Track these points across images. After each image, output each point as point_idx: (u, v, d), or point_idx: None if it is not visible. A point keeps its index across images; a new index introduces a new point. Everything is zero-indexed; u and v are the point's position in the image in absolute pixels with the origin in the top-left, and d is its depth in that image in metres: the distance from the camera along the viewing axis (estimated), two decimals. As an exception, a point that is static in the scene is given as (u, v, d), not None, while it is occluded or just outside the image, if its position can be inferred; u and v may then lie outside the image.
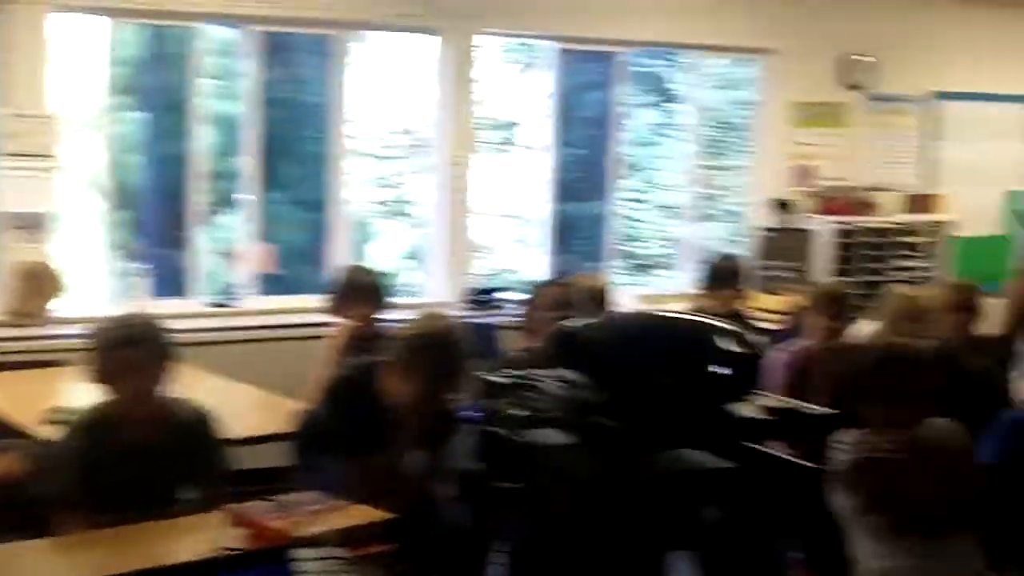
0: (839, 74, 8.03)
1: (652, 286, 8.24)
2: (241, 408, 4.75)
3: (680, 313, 3.27)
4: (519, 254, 8.24)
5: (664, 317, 3.16)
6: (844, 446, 3.44)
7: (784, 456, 3.24)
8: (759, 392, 3.06)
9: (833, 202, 7.85)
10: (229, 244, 6.83)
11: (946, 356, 4.39)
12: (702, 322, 3.00)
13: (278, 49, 6.88)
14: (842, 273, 7.59)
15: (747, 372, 2.83)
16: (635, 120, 8.14)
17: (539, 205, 7.55)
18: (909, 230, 7.98)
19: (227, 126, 6.75)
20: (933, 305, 4.75)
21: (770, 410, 2.86)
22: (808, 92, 7.94)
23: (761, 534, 3.35)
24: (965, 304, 4.62)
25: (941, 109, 8.44)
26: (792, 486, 3.06)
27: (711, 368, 2.77)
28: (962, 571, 3.39)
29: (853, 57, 8.01)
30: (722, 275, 5.92)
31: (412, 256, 7.72)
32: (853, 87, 8.05)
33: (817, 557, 3.53)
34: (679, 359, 2.79)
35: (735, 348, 2.80)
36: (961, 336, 4.59)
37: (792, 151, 7.93)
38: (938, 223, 8.09)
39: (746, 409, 2.89)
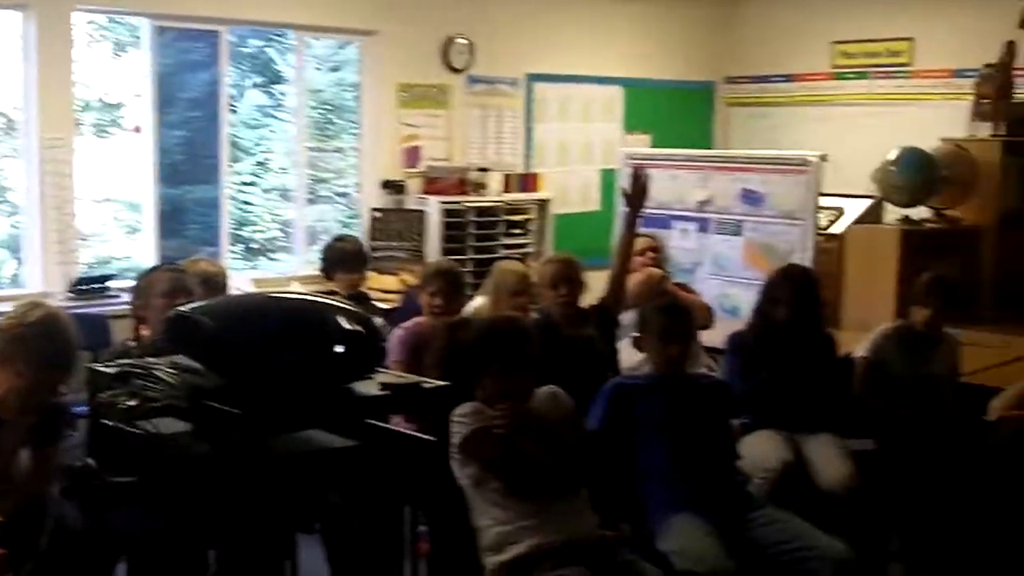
0: (441, 56, 8.15)
1: (267, 269, 8.13)
2: None
3: (297, 295, 3.24)
4: (128, 240, 7.90)
5: (281, 299, 3.13)
6: (459, 418, 3.50)
7: (404, 431, 3.31)
8: (380, 370, 3.09)
9: (441, 182, 7.96)
10: None
11: (550, 327, 4.62)
12: (319, 303, 2.99)
13: None
14: (453, 251, 7.68)
15: (365, 350, 2.85)
16: (244, 102, 7.96)
17: (145, 189, 7.24)
18: (514, 208, 8.18)
19: None
20: (538, 279, 4.88)
21: (389, 387, 2.89)
22: (412, 74, 8.02)
23: (385, 509, 3.39)
24: (567, 277, 4.77)
25: (537, 91, 8.74)
26: (413, 460, 3.13)
27: (330, 347, 2.77)
28: (576, 529, 3.51)
29: (453, 39, 8.15)
30: (342, 257, 5.92)
31: (10, 245, 7.22)
32: (454, 69, 8.21)
33: (441, 528, 3.59)
34: (297, 340, 2.77)
35: (352, 327, 2.81)
36: (564, 308, 4.76)
37: (400, 132, 7.99)
38: (540, 201, 8.35)
39: (367, 387, 2.91)
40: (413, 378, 3.10)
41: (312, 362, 2.75)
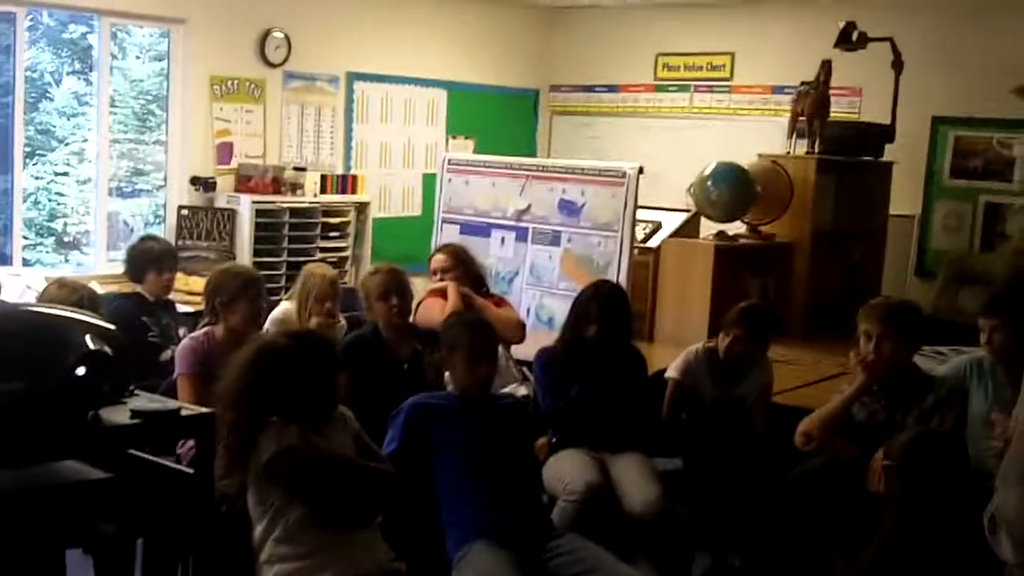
0: (257, 49, 7.79)
1: (73, 265, 7.61)
2: None
3: (37, 307, 2.85)
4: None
5: (12, 314, 2.71)
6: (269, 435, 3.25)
7: (162, 462, 2.96)
8: (137, 392, 2.75)
9: (254, 180, 7.60)
10: None
11: (376, 342, 4.55)
12: (60, 317, 2.59)
13: None
14: (265, 253, 7.42)
15: (113, 372, 2.47)
16: (60, 89, 7.43)
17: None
18: (331, 210, 7.89)
19: None
20: (364, 291, 4.71)
21: (141, 414, 2.53)
22: (226, 66, 7.64)
23: (151, 543, 3.07)
24: (398, 288, 4.61)
25: (357, 89, 8.45)
26: (172, 492, 2.80)
27: (67, 370, 2.39)
28: (372, 562, 3.34)
29: (270, 32, 7.81)
30: (149, 257, 5.63)
31: None
32: (270, 63, 7.85)
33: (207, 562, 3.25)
34: (25, 363, 2.37)
35: (97, 346, 2.43)
36: (395, 320, 4.62)
37: (213, 127, 7.61)
38: (359, 204, 8.08)
39: (115, 415, 2.55)
40: (172, 403, 2.74)
41: (43, 388, 2.35)
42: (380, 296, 4.61)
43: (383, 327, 4.64)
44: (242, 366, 3.28)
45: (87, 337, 2.44)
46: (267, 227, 7.53)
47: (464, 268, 5.37)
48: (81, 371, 2.39)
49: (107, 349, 2.44)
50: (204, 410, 2.77)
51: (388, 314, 4.62)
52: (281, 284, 7.25)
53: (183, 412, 2.69)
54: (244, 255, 7.33)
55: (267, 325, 5.04)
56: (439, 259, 5.38)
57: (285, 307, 5.30)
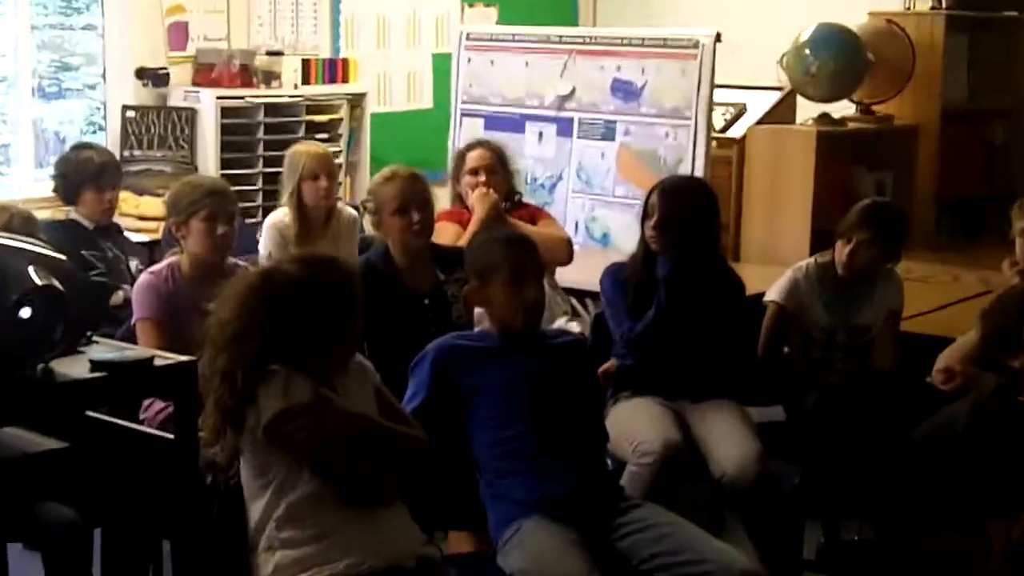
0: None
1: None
2: None
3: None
4: None
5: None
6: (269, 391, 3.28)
7: (132, 427, 3.00)
8: (96, 339, 2.79)
9: (217, 71, 7.62)
10: None
11: (389, 271, 4.60)
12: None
13: None
14: (236, 163, 7.48)
15: (61, 311, 2.49)
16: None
17: None
18: (317, 106, 7.93)
19: None
20: (376, 202, 4.71)
21: (103, 365, 2.57)
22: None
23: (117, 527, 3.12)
24: (419, 198, 4.61)
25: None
26: (148, 464, 2.84)
27: (12, 310, 2.42)
28: (402, 546, 3.38)
29: None
30: (85, 173, 5.68)
31: None
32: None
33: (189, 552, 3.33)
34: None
35: (43, 280, 2.46)
36: (417, 241, 4.65)
37: (162, 3, 7.65)
38: (353, 96, 8.12)
39: (72, 368, 2.59)
40: (143, 352, 2.78)
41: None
42: (397, 209, 4.61)
43: (397, 251, 4.65)
44: (241, 298, 3.28)
45: (31, 269, 2.47)
46: (236, 130, 7.58)
47: (505, 174, 5.43)
48: (26, 313, 2.42)
49: (56, 283, 2.47)
50: (184, 358, 2.78)
51: (406, 233, 4.62)
52: (257, 203, 7.31)
53: (157, 362, 2.71)
54: (209, 166, 7.39)
55: (263, 233, 5.20)
56: (480, 155, 5.46)
57: (280, 216, 5.63)
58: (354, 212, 5.80)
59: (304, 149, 5.78)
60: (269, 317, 3.25)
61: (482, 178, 5.37)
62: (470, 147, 5.60)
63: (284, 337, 3.27)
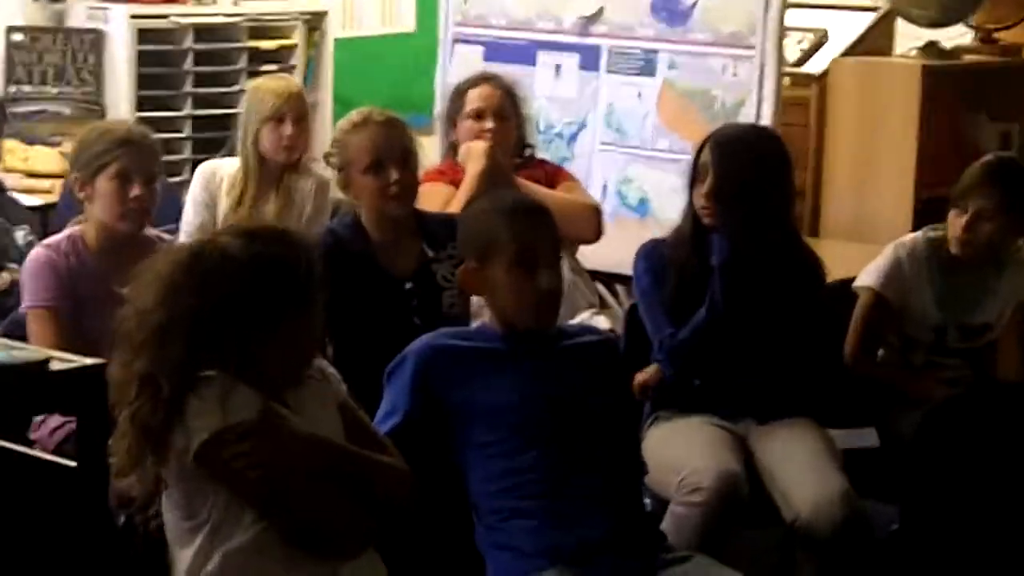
0: None
1: None
2: None
3: None
4: None
5: None
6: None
7: (26, 452, 3.04)
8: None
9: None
10: None
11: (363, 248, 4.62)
12: None
13: None
14: (157, 102, 7.59)
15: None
16: None
17: None
18: (262, 28, 8.03)
19: None
20: (342, 156, 4.75)
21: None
22: None
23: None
24: (399, 151, 4.65)
25: None
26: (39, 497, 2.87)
27: None
28: None
29: None
30: None
31: None
32: None
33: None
34: None
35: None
36: (395, 207, 4.68)
37: None
38: (310, 16, 8.22)
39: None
40: (35, 352, 2.83)
41: None
42: (369, 166, 4.65)
43: (370, 220, 4.70)
44: (165, 282, 3.31)
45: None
46: (158, 59, 7.70)
47: (518, 120, 5.45)
48: None
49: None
50: (90, 361, 2.81)
51: (381, 197, 4.66)
52: (185, 155, 7.37)
53: (54, 365, 2.76)
54: (121, 107, 7.50)
55: (193, 185, 5.24)
56: (487, 93, 5.55)
57: (228, 165, 5.74)
58: (326, 175, 5.73)
59: (268, 84, 5.82)
60: (200, 307, 3.28)
61: (489, 124, 5.44)
62: (473, 82, 5.65)
63: (221, 333, 3.29)
